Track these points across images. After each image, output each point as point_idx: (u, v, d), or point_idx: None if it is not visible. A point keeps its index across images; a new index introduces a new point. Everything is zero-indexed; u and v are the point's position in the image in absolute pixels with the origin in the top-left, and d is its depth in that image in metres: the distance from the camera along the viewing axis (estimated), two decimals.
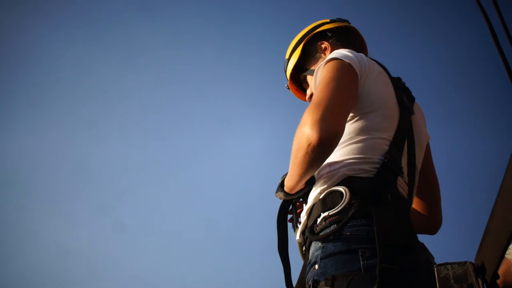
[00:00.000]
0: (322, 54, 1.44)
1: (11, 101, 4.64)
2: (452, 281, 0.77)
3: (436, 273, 0.79)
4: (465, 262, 0.78)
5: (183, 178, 4.92)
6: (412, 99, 1.30)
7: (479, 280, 0.76)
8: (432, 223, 1.36)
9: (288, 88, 1.58)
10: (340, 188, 1.05)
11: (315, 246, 1.05)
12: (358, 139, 1.12)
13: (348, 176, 1.07)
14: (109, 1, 4.86)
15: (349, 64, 1.15)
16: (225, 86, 4.85)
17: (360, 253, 0.97)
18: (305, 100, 1.55)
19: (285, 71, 1.55)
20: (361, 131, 1.12)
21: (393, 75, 1.30)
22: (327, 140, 0.99)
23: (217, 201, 4.77)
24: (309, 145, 0.99)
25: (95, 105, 4.89)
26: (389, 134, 1.15)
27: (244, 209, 4.67)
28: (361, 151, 1.10)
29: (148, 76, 4.98)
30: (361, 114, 1.14)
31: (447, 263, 0.79)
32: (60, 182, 4.76)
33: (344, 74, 1.13)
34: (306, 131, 1.00)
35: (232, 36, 4.86)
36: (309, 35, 1.47)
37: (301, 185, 1.16)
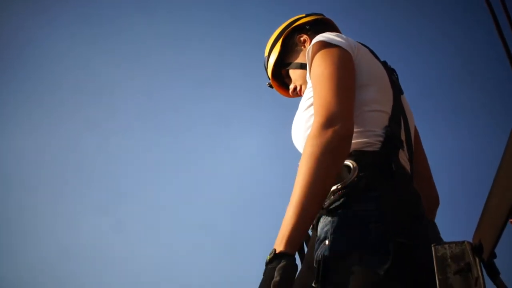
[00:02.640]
0: (302, 47, 1.47)
1: (11, 100, 4.65)
2: (449, 260, 0.77)
3: (433, 253, 0.79)
4: (463, 242, 0.78)
5: (183, 178, 4.93)
6: (398, 81, 1.32)
7: (477, 259, 0.76)
8: (431, 197, 1.35)
9: (270, 86, 1.59)
10: (347, 162, 1.05)
11: (324, 221, 1.03)
12: (359, 111, 1.12)
13: (354, 150, 1.07)
14: (111, 1, 4.88)
15: (342, 49, 1.16)
16: (223, 86, 4.87)
17: (371, 227, 0.96)
18: (288, 95, 1.56)
19: (266, 69, 1.57)
20: (361, 104, 1.13)
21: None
22: (344, 139, 1.00)
23: (217, 202, 4.77)
24: (329, 147, 0.98)
25: (96, 105, 4.90)
26: (387, 108, 1.16)
27: (244, 209, 4.67)
28: (363, 123, 1.10)
29: (149, 77, 4.99)
30: (359, 87, 1.15)
31: (444, 243, 0.80)
32: (60, 182, 4.77)
33: (341, 63, 1.13)
34: (322, 136, 0.99)
35: (231, 35, 4.89)
36: (288, 29, 1.50)
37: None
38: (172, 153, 5.00)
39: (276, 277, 0.88)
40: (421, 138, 1.43)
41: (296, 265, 0.93)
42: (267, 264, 0.92)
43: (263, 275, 0.91)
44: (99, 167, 4.92)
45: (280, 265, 0.89)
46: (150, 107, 5.02)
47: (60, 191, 4.76)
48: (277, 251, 0.91)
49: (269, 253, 0.92)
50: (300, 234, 0.94)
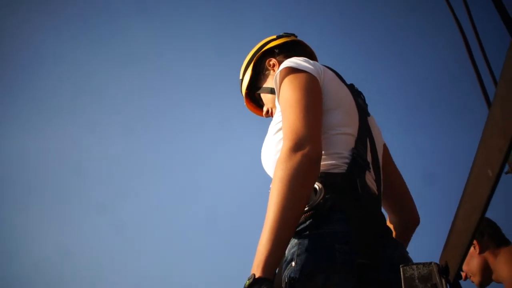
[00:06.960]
0: (272, 71, 1.49)
1: (13, 101, 4.68)
2: (417, 281, 0.79)
3: (401, 273, 0.81)
4: (430, 263, 0.80)
5: (183, 178, 4.95)
6: (365, 103, 1.34)
7: (443, 280, 0.78)
8: (409, 220, 1.37)
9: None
10: (314, 184, 1.06)
11: (291, 243, 1.05)
12: (326, 135, 1.14)
13: (321, 172, 1.08)
14: (110, 4, 4.90)
15: (309, 74, 1.18)
16: (224, 86, 4.88)
17: (336, 249, 0.98)
18: (263, 116, 1.58)
19: (241, 90, 1.60)
20: (327, 127, 1.15)
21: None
22: (313, 162, 1.02)
23: (217, 201, 4.79)
24: (298, 171, 0.99)
25: (96, 106, 4.93)
26: (353, 130, 1.18)
27: (244, 208, 4.69)
28: (330, 146, 1.12)
29: (149, 77, 5.01)
30: (325, 111, 1.17)
31: (412, 264, 0.82)
32: (60, 182, 4.80)
33: (308, 89, 1.15)
34: (291, 160, 1.01)
35: (231, 36, 4.89)
36: (258, 54, 1.53)
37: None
38: (173, 154, 5.02)
39: None
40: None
41: None
42: None
43: None
44: (100, 168, 4.96)
45: None
46: (151, 108, 5.04)
47: (61, 192, 4.79)
48: (256, 276, 0.92)
49: (247, 278, 0.92)
50: (276, 259, 0.95)
